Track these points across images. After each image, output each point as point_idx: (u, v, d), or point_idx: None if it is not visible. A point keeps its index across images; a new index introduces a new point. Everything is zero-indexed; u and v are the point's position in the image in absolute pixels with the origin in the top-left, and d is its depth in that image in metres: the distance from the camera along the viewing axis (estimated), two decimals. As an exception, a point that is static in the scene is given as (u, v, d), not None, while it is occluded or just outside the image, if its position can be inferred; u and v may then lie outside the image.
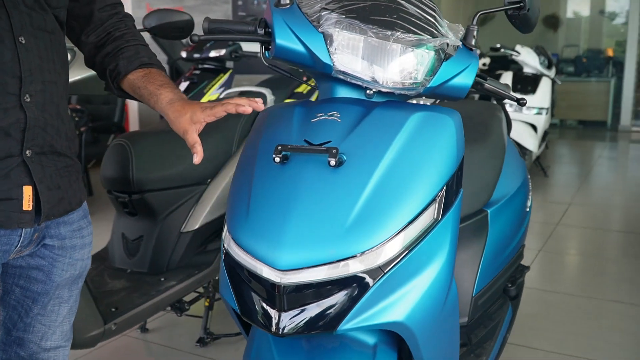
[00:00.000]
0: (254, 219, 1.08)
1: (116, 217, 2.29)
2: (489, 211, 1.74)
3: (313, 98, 4.68)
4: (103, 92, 1.86)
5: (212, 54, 4.02)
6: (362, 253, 1.01)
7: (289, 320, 1.02)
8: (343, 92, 1.22)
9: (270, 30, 1.23)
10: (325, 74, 1.20)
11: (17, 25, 1.10)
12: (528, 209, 2.03)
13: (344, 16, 1.16)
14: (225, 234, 1.15)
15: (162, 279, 2.13)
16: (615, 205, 4.73)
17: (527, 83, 5.29)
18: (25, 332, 1.24)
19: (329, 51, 1.15)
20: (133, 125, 6.34)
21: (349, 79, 1.17)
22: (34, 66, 1.12)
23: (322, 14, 1.17)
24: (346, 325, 1.01)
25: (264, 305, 1.04)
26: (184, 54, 4.10)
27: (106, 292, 2.03)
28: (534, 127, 5.11)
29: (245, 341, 2.38)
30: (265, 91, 2.75)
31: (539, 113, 5.16)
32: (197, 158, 1.18)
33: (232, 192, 1.19)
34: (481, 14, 1.27)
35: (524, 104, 1.35)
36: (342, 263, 1.01)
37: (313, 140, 1.11)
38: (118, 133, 4.68)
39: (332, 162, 1.05)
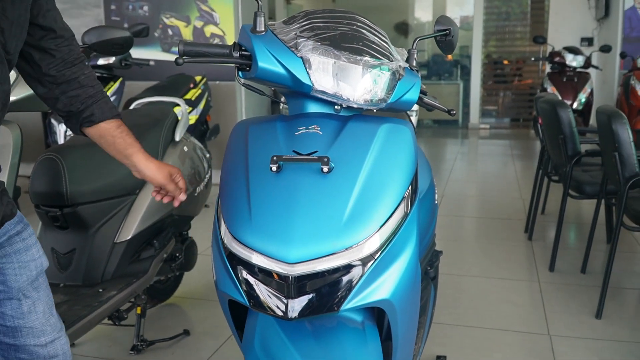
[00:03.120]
0: (258, 221, 1.23)
1: (43, 232, 2.27)
2: (413, 205, 2.00)
3: (201, 104, 4.77)
4: (44, 109, 1.89)
5: (101, 61, 3.99)
6: (357, 244, 1.21)
7: (297, 305, 1.19)
8: (314, 108, 1.41)
9: (245, 53, 1.38)
10: (301, 93, 1.38)
11: None
12: (437, 202, 2.34)
13: (319, 43, 1.35)
14: (224, 235, 1.29)
15: (101, 290, 2.16)
16: (478, 195, 5.32)
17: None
18: (15, 338, 1.28)
19: (308, 73, 1.34)
20: None
21: (325, 97, 1.36)
22: None
23: (299, 40, 1.35)
24: (347, 305, 1.20)
25: (274, 294, 1.20)
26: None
27: (46, 307, 2.03)
28: (405, 128, 5.57)
29: (184, 343, 2.47)
30: (179, 101, 2.82)
31: (409, 115, 5.63)
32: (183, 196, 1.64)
33: (226, 199, 1.33)
34: (419, 40, 1.53)
35: (454, 114, 1.63)
36: (341, 254, 1.20)
37: (301, 151, 1.29)
38: None
39: (325, 169, 1.24)
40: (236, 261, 1.25)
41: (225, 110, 5.39)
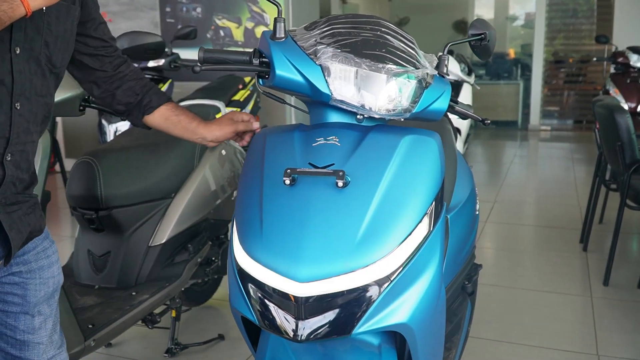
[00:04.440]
0: (269, 236, 1.18)
1: (80, 234, 2.30)
2: (449, 217, 1.91)
3: (250, 106, 4.77)
4: (77, 114, 1.90)
5: (151, 63, 4.03)
6: (372, 264, 1.14)
7: (307, 327, 1.13)
8: (335, 117, 1.35)
9: (265, 60, 1.34)
10: (321, 102, 1.32)
11: (17, 90, 1.15)
12: (477, 213, 2.23)
13: (339, 50, 1.28)
14: (237, 250, 1.25)
15: (134, 293, 2.17)
16: (533, 201, 5.12)
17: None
18: (22, 352, 1.29)
19: (327, 82, 1.28)
20: (58, 136, 6.16)
21: (345, 107, 1.29)
22: (22, 129, 1.18)
23: (319, 47, 1.29)
24: (359, 329, 1.14)
25: (284, 314, 1.15)
26: (121, 64, 4.07)
27: (79, 308, 2.05)
28: (458, 131, 5.42)
29: (217, 348, 2.46)
30: (218, 103, 2.81)
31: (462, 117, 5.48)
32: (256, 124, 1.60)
33: (239, 211, 1.29)
34: (451, 45, 1.45)
35: (488, 124, 1.54)
36: (354, 274, 1.13)
37: (317, 163, 1.23)
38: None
39: (340, 184, 1.18)
40: (247, 278, 1.21)
41: (274, 112, 5.38)
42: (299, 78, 1.28)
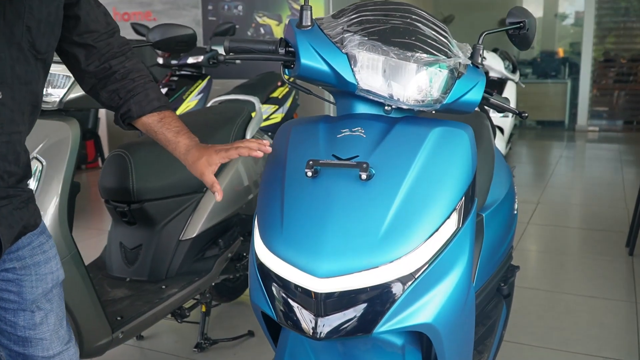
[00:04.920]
0: (289, 230, 1.14)
1: (113, 226, 2.31)
2: (484, 215, 1.84)
3: (288, 102, 4.75)
4: (97, 106, 1.90)
5: (190, 60, 4.06)
6: (395, 261, 1.09)
7: (327, 325, 1.09)
8: (362, 109, 1.30)
9: (291, 49, 1.30)
10: (348, 92, 1.27)
11: None
12: (515, 212, 2.15)
13: (366, 38, 1.23)
14: (257, 244, 1.22)
15: (164, 287, 2.17)
16: (578, 203, 4.94)
17: (492, 87, 5.47)
18: (25, 348, 1.25)
19: (353, 71, 1.23)
20: (102, 130, 6.28)
21: (371, 97, 1.25)
22: (5, 119, 1.11)
23: (345, 35, 1.25)
24: (381, 328, 1.09)
25: (303, 311, 1.11)
26: (160, 61, 4.11)
27: (108, 301, 2.06)
28: (500, 130, 5.29)
29: (247, 344, 2.44)
30: (253, 99, 2.80)
31: (505, 116, 5.35)
32: (219, 196, 1.30)
33: (261, 204, 1.25)
34: (486, 34, 1.38)
35: (526, 117, 1.46)
36: (376, 270, 1.08)
37: (341, 155, 1.19)
38: (92, 140, 4.65)
39: (364, 176, 1.13)
40: (267, 273, 1.18)
41: (312, 109, 5.35)
42: (325, 67, 1.24)
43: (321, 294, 1.08)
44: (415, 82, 1.24)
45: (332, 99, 1.42)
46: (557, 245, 3.85)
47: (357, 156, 1.17)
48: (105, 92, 1.38)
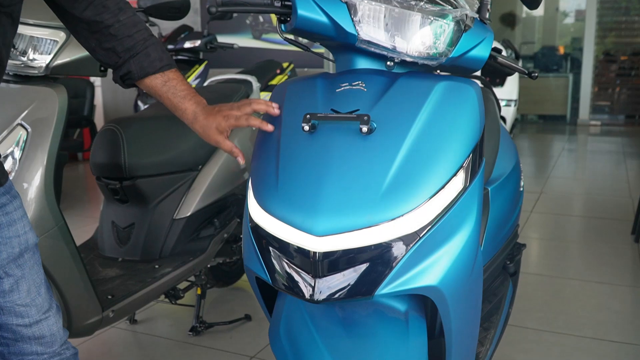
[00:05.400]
0: (285, 188, 1.07)
1: (105, 205, 2.24)
2: (489, 189, 1.76)
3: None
4: (98, 74, 1.82)
5: (187, 45, 3.98)
6: (398, 218, 1.01)
7: (325, 287, 1.02)
8: (363, 64, 1.23)
9: (287, 1, 1.22)
10: (346, 46, 1.20)
11: None
12: (521, 189, 2.07)
13: (367, -14, 1.16)
14: (251, 205, 1.15)
15: (157, 266, 2.09)
16: (581, 193, 4.87)
17: (495, 76, 5.39)
18: None
19: (353, 21, 1.16)
20: (98, 118, 6.20)
21: (372, 49, 1.17)
22: None
23: (345, -16, 1.17)
24: (383, 290, 1.01)
25: (300, 272, 1.03)
26: (157, 45, 4.03)
27: (100, 280, 1.99)
28: (503, 119, 5.21)
29: (244, 328, 2.37)
30: (251, 78, 2.72)
31: (507, 105, 5.28)
32: (241, 159, 1.26)
33: (255, 163, 1.18)
34: (494, -11, 1.30)
35: (536, 77, 1.39)
36: (378, 228, 1.01)
37: (340, 110, 1.11)
38: (88, 127, 4.57)
39: (364, 129, 1.06)
40: (261, 233, 1.10)
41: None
42: (323, 18, 1.17)
43: (319, 253, 1.01)
44: (419, 33, 1.16)
45: (331, 56, 1.35)
46: (561, 232, 3.77)
47: (358, 110, 1.10)
48: (102, 49, 1.26)
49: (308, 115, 1.09)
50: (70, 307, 1.72)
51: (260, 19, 5.65)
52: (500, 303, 1.71)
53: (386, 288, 1.01)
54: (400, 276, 1.02)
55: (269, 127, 1.19)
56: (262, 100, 1.23)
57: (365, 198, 1.02)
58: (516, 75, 5.50)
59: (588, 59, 9.17)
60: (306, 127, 1.09)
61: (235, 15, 5.09)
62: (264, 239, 1.09)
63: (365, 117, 1.06)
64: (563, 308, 2.58)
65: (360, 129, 1.06)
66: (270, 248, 1.08)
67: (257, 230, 1.11)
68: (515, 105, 5.37)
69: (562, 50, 10.14)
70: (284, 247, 1.05)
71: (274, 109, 1.20)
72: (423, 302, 1.16)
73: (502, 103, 5.20)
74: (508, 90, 5.29)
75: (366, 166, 1.04)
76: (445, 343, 1.14)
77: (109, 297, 1.88)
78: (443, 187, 1.06)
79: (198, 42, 3.95)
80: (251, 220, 1.14)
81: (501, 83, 5.31)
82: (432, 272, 1.04)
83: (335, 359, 1.06)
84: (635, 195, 4.35)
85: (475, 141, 1.14)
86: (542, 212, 4.15)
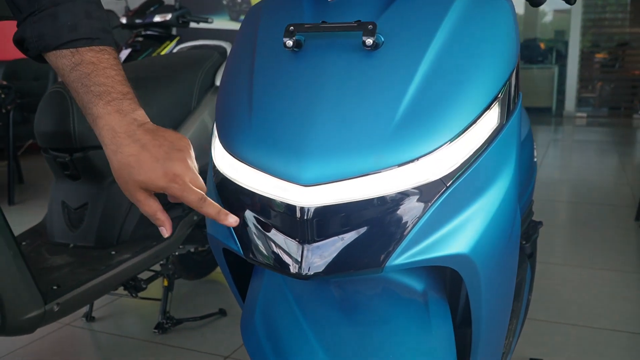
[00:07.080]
0: (261, 126, 0.78)
1: (54, 184, 1.93)
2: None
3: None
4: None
5: (157, 18, 3.68)
6: (414, 161, 0.73)
7: (316, 256, 0.73)
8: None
9: None
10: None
11: None
12: (535, 159, 1.81)
13: None
14: (216, 153, 0.86)
15: (113, 253, 1.79)
16: (575, 180, 4.65)
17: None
18: None
19: None
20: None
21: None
22: None
23: None
24: (396, 260, 0.73)
25: (282, 237, 0.75)
26: (123, 20, 3.72)
27: (45, 268, 1.68)
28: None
29: (217, 325, 2.08)
30: (225, 44, 2.43)
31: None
32: (166, 229, 0.89)
33: (222, 97, 0.90)
34: None
35: (574, 2, 1.12)
36: (387, 174, 0.73)
37: (335, 21, 0.83)
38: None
39: (369, 42, 0.77)
40: (230, 188, 0.81)
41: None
42: None
43: (308, 209, 0.72)
44: None
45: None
46: (560, 219, 3.54)
47: (359, 21, 0.81)
48: None
49: (292, 28, 0.81)
50: (3, 299, 1.42)
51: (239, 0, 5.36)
52: (521, 289, 1.44)
53: (399, 258, 0.73)
54: (418, 242, 0.74)
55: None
56: (213, 203, 0.79)
57: (371, 134, 0.74)
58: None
59: (574, 50, 9.03)
60: (289, 43, 0.80)
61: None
62: (233, 195, 0.81)
63: (370, 26, 0.77)
64: (573, 297, 2.32)
65: (363, 42, 0.77)
66: (242, 206, 0.79)
67: (224, 185, 0.83)
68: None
69: (542, 46, 9.99)
70: (260, 204, 0.77)
71: (227, 219, 0.77)
72: (443, 280, 0.88)
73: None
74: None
75: (371, 92, 0.76)
76: (471, 332, 0.87)
77: (54, 287, 1.57)
78: (474, 122, 0.78)
79: (169, 16, 3.65)
80: (216, 173, 0.85)
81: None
82: (462, 237, 0.76)
83: (330, 354, 0.77)
84: (633, 183, 4.14)
85: (512, 67, 0.87)
86: (540, 199, 3.90)
